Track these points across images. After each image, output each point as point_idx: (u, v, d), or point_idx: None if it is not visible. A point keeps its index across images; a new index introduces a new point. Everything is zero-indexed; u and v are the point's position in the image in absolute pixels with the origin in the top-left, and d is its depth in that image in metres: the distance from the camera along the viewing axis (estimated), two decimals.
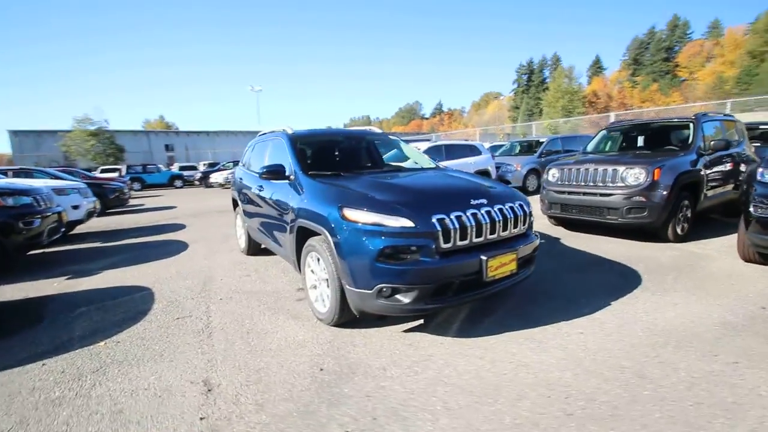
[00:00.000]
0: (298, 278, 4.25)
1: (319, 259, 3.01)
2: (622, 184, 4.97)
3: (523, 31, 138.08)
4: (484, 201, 2.79)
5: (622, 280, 3.75)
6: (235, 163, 25.16)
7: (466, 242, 2.61)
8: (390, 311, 2.61)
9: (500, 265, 2.67)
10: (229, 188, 20.27)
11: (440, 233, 2.50)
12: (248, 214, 4.84)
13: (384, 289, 2.50)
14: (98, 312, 3.52)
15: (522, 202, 2.98)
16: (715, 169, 5.43)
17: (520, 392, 2.10)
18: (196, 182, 24.15)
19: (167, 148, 43.39)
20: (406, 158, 4.50)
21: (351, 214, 2.62)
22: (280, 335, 2.92)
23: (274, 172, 3.54)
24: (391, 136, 4.79)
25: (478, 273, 2.59)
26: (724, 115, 5.99)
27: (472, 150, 10.51)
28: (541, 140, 11.67)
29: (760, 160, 3.81)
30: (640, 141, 6.26)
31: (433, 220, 2.52)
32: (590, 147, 6.50)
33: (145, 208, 12.73)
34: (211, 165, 27.90)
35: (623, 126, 6.43)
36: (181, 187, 24.21)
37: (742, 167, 5.85)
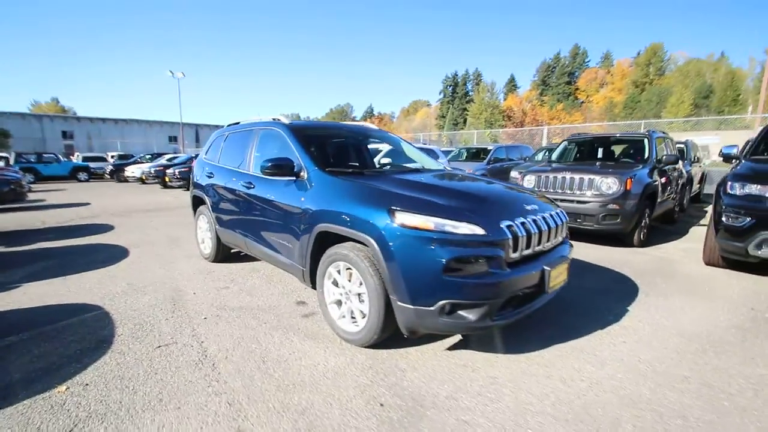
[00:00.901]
0: (292, 289, 3.71)
1: (349, 270, 2.59)
2: (597, 193, 5.25)
3: (448, 44, 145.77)
4: (536, 207, 2.63)
5: (621, 285, 3.89)
6: (155, 155, 22.48)
7: (529, 251, 2.41)
8: (453, 329, 2.31)
9: (558, 275, 2.53)
10: (150, 183, 18.27)
11: (510, 241, 2.27)
12: (223, 215, 4.14)
13: (447, 306, 2.19)
14: (37, 342, 2.65)
15: (560, 211, 2.89)
16: (663, 180, 6.04)
17: (614, 416, 1.95)
18: (107, 176, 20.99)
19: (65, 135, 37.39)
20: (409, 159, 4.20)
21: (408, 219, 2.26)
22: (305, 362, 2.44)
23: (280, 167, 3.00)
24: (390, 134, 4.45)
25: (540, 284, 2.42)
26: (663, 132, 6.72)
27: (429, 154, 10.54)
28: (489, 148, 12.18)
29: (728, 174, 4.26)
30: (600, 153, 6.76)
31: (503, 226, 2.28)
32: (555, 156, 6.84)
33: (48, 205, 10.57)
34: (123, 157, 24.64)
35: (583, 138, 6.88)
36: (86, 181, 20.81)
37: (680, 180, 6.61)
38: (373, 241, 2.34)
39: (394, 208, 2.32)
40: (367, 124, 4.41)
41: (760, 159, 4.49)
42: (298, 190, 2.98)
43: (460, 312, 2.21)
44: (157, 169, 16.48)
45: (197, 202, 4.81)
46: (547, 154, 10.54)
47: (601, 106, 66.34)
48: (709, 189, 11.09)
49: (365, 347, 2.58)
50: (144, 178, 17.19)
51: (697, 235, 6.11)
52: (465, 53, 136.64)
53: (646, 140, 6.06)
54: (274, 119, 3.77)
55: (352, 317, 2.66)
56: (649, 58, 66.67)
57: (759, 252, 3.76)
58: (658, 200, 5.80)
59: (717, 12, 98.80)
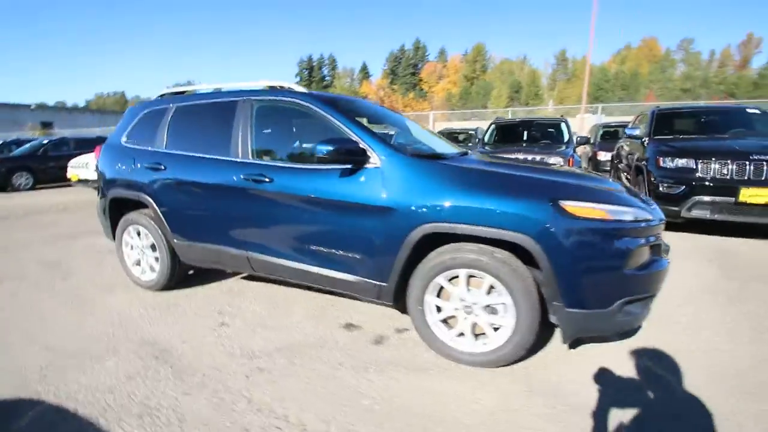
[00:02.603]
0: (316, 311, 2.87)
1: (472, 278, 2.08)
2: None
3: (302, 26, 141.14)
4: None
5: None
6: None
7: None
8: (621, 329, 2.07)
9: None
10: None
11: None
12: (189, 223, 2.92)
13: (623, 303, 1.93)
14: None
15: None
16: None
17: None
18: None
19: None
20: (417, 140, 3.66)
21: (579, 208, 1.88)
22: (459, 407, 1.85)
23: (350, 153, 2.20)
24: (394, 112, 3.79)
25: None
26: (561, 117, 7.77)
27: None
28: (390, 133, 12.18)
29: (655, 151, 5.12)
30: (525, 135, 7.39)
31: (657, 209, 2.12)
32: (487, 138, 7.19)
33: None
34: None
35: (509, 121, 7.42)
36: None
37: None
38: (530, 240, 1.89)
39: (559, 196, 1.92)
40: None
41: (666, 138, 5.53)
42: (369, 181, 2.23)
43: (629, 308, 1.99)
44: None
45: (120, 208, 3.31)
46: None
47: (442, 97, 74.58)
48: None
49: (500, 366, 2.13)
50: None
51: None
52: (319, 37, 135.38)
53: (563, 124, 6.87)
54: (281, 87, 2.79)
55: (475, 335, 2.16)
56: (475, 56, 77.84)
57: (691, 213, 4.63)
58: None
59: (520, 18, 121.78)
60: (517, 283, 1.96)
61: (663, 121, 5.95)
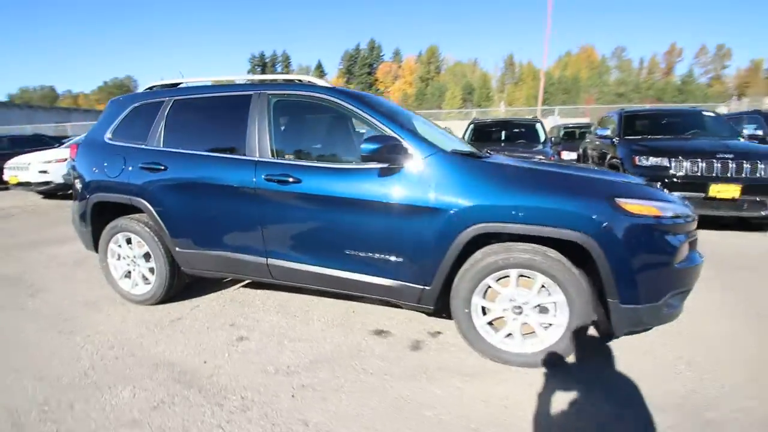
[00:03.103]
0: (338, 318, 2.73)
1: (522, 278, 2.05)
2: None
3: (253, 21, 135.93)
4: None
5: None
6: None
7: None
8: (663, 322, 2.11)
9: None
10: None
11: None
12: (196, 229, 2.64)
13: (670, 296, 2.00)
14: None
15: None
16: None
17: None
18: None
19: None
20: None
21: (634, 206, 1.90)
22: (526, 409, 1.81)
23: (392, 150, 2.09)
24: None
25: None
26: (534, 118, 8.08)
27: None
28: (361, 131, 12.08)
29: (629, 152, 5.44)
30: (502, 135, 7.57)
31: (690, 206, 2.20)
32: (466, 138, 7.29)
33: None
34: None
35: (487, 121, 7.58)
36: None
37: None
38: (589, 238, 1.89)
39: (614, 194, 1.93)
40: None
41: (636, 138, 5.90)
42: (413, 181, 2.13)
43: (671, 301, 2.05)
44: None
45: (104, 214, 2.93)
46: None
47: (398, 97, 75.33)
48: None
49: (548, 366, 2.11)
50: None
51: None
52: (272, 34, 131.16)
53: (538, 124, 7.14)
54: (300, 81, 2.59)
55: (523, 334, 2.13)
56: (429, 57, 79.45)
57: None
58: None
59: (471, 21, 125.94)
60: (570, 281, 1.96)
61: (630, 123, 6.34)
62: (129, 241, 2.92)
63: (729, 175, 4.62)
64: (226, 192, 2.49)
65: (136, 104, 2.92)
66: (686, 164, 4.81)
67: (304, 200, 2.33)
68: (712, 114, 6.27)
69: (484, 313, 2.17)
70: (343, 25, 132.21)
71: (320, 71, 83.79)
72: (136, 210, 2.82)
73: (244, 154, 2.49)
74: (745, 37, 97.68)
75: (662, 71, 69.28)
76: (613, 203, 1.90)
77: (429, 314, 2.66)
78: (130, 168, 2.74)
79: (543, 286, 2.04)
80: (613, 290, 1.93)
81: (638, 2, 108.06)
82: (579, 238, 1.90)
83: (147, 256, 2.88)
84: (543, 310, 2.08)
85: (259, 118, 2.50)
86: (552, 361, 2.09)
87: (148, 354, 2.30)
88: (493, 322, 2.19)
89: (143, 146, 2.77)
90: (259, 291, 3.20)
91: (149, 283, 2.91)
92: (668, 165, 4.94)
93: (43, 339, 2.49)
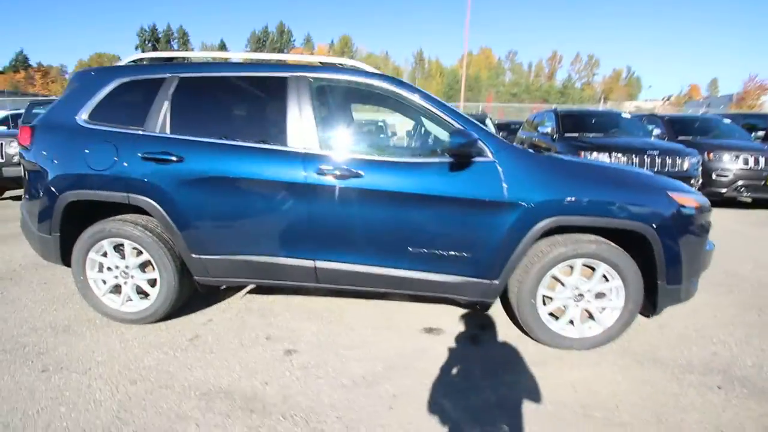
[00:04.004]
0: (370, 322, 2.60)
1: (586, 267, 2.20)
2: None
3: None
4: None
5: None
6: None
7: None
8: (691, 297, 2.42)
9: None
10: None
11: None
12: (219, 231, 2.26)
13: (696, 277, 2.31)
14: None
15: None
16: None
17: None
18: None
19: None
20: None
21: (682, 199, 2.15)
22: (615, 389, 1.94)
23: (473, 146, 2.04)
24: None
25: None
26: (482, 112, 8.58)
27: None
28: None
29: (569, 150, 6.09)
30: None
31: None
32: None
33: None
34: None
35: None
36: None
37: None
38: (650, 228, 2.08)
39: (667, 188, 2.15)
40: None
41: (574, 136, 6.62)
42: (485, 176, 2.10)
43: (694, 280, 2.38)
44: None
45: (78, 216, 2.34)
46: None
47: None
48: None
49: (602, 346, 2.30)
50: None
51: None
52: (165, 5, 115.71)
53: (487, 119, 7.59)
54: (342, 65, 2.35)
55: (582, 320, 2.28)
56: (342, 47, 78.54)
57: None
58: None
59: (384, 14, 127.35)
60: (629, 268, 2.15)
61: (565, 121, 7.11)
62: (117, 249, 2.38)
63: (657, 169, 5.48)
64: (265, 187, 2.17)
65: (123, 80, 2.36)
66: (623, 159, 5.57)
67: (365, 196, 2.14)
68: (628, 116, 7.34)
69: (545, 303, 2.27)
70: (249, 3, 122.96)
71: (223, 50, 77.17)
72: (132, 210, 2.31)
73: (284, 145, 2.19)
74: (610, 46, 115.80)
75: (546, 75, 78.73)
76: (668, 196, 2.13)
77: (460, 306, 2.70)
78: (126, 159, 2.22)
79: (603, 274, 2.20)
80: (662, 273, 2.17)
81: (529, 7, 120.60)
82: (641, 228, 2.09)
83: (144, 266, 2.39)
84: (600, 295, 2.25)
85: (301, 104, 2.22)
86: (607, 342, 2.28)
87: (187, 383, 1.92)
88: (553, 311, 2.30)
89: (141, 132, 2.27)
90: (268, 297, 2.89)
91: (148, 298, 2.42)
92: (609, 160, 5.66)
93: (23, 382, 1.91)
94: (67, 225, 2.36)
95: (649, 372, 2.09)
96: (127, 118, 2.32)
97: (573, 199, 2.09)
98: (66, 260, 2.45)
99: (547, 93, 67.74)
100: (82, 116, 2.34)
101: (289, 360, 2.13)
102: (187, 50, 67.19)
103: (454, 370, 2.07)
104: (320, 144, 2.20)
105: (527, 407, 1.80)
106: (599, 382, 2.00)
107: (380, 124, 11.13)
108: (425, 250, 2.20)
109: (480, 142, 2.11)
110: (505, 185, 2.10)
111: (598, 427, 1.68)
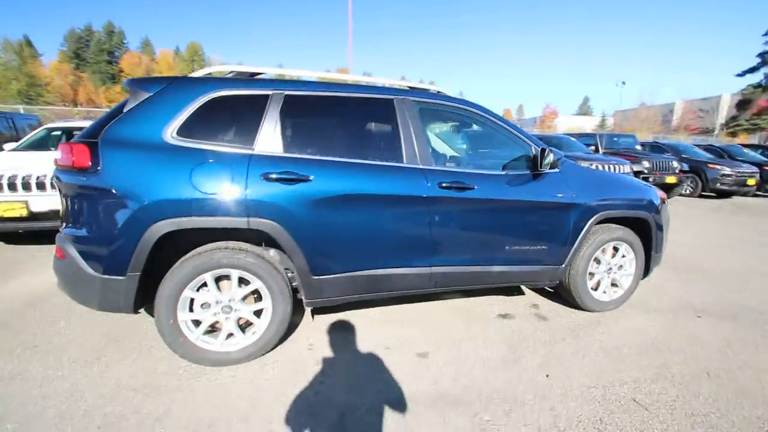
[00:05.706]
0: (454, 313, 2.92)
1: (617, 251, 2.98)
2: None
3: None
4: None
5: None
6: None
7: None
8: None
9: None
10: None
11: None
12: (345, 249, 2.25)
13: None
14: None
15: None
16: None
17: None
18: None
19: None
20: None
21: (662, 194, 3.10)
22: (684, 340, 2.71)
23: (557, 161, 2.61)
24: None
25: None
26: None
27: None
28: None
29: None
30: None
31: None
32: None
33: None
34: None
35: None
36: None
37: None
38: (651, 216, 2.97)
39: (655, 187, 3.08)
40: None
41: None
42: (556, 183, 2.68)
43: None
44: None
45: (162, 248, 2.01)
46: None
47: None
48: None
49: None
50: None
51: None
52: None
53: None
54: (427, 89, 2.60)
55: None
56: (191, 55, 71.67)
57: None
58: None
59: (240, 24, 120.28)
60: (638, 245, 3.00)
61: None
62: (219, 281, 2.12)
63: None
64: (393, 202, 2.29)
65: (215, 94, 2.13)
66: None
67: (477, 205, 2.47)
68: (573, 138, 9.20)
69: (590, 278, 2.96)
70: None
71: (31, 50, 61.96)
72: (252, 236, 2.12)
73: (401, 161, 2.36)
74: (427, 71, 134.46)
75: None
76: (657, 193, 3.06)
77: (504, 294, 3.23)
78: (243, 180, 2.04)
79: (617, 250, 3.01)
80: (656, 246, 3.08)
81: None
82: (646, 215, 2.96)
83: (249, 296, 2.19)
84: (620, 267, 3.05)
85: (410, 125, 2.41)
86: (627, 300, 3.09)
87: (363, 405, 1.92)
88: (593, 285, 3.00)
89: (253, 152, 2.10)
90: (338, 314, 2.87)
91: (253, 332, 2.20)
92: None
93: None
94: (151, 261, 2.00)
95: (670, 321, 2.96)
96: (227, 135, 2.12)
97: (610, 198, 2.83)
98: (140, 306, 2.05)
99: None
100: (169, 132, 2.03)
101: (423, 363, 2.27)
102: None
103: (570, 350, 2.47)
104: (434, 160, 2.44)
105: (601, 348, 2.41)
106: (658, 326, 2.75)
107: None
108: (518, 247, 2.64)
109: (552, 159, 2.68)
110: (568, 189, 2.70)
111: (651, 355, 2.40)
